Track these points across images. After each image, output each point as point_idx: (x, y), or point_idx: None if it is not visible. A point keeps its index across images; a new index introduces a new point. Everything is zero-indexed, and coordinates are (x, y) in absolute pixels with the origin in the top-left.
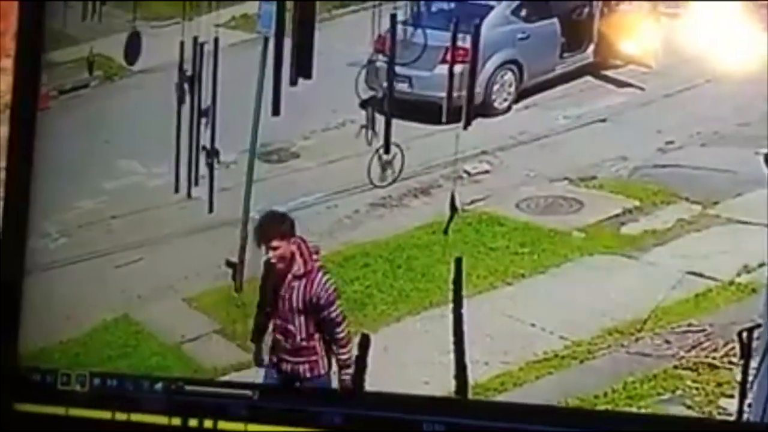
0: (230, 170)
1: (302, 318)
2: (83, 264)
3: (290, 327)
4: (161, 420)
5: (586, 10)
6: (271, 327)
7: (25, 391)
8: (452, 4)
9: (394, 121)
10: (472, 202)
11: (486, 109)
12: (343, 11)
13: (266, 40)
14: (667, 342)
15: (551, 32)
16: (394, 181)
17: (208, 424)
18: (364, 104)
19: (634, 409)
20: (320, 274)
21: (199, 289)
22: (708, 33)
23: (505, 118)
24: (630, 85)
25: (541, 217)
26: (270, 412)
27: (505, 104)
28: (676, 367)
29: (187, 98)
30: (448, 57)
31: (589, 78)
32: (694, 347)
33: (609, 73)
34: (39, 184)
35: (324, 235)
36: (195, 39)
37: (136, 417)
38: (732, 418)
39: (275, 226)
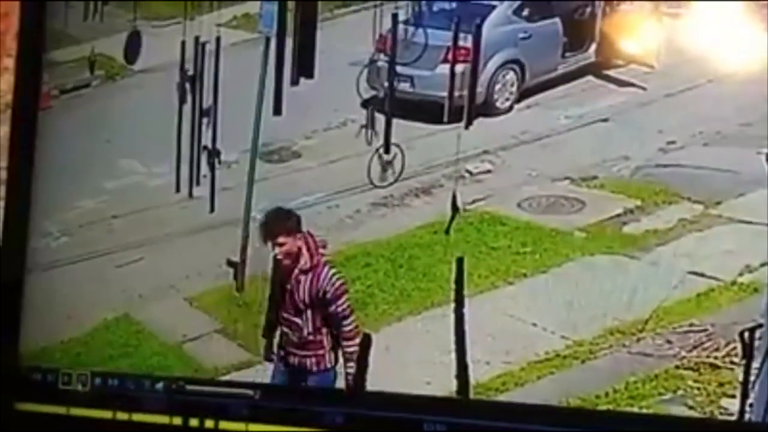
0: (232, 170)
1: (309, 312)
2: (84, 263)
3: (297, 321)
4: (162, 419)
5: (588, 9)
6: (279, 321)
7: (26, 391)
8: (454, 4)
9: (396, 121)
10: (474, 201)
11: (488, 109)
12: (345, 11)
13: (268, 39)
14: (669, 342)
15: (553, 32)
16: (396, 181)
17: (209, 423)
18: (365, 104)
19: (635, 409)
20: (326, 269)
21: (201, 289)
22: (710, 33)
23: (506, 117)
24: (632, 84)
25: (543, 216)
26: (271, 412)
27: (507, 104)
28: (677, 367)
29: (189, 98)
30: (450, 56)
31: (590, 78)
32: (695, 347)
33: (611, 72)
34: (40, 184)
35: (325, 234)
36: (196, 39)
37: (137, 416)
38: (733, 418)
39: (281, 222)
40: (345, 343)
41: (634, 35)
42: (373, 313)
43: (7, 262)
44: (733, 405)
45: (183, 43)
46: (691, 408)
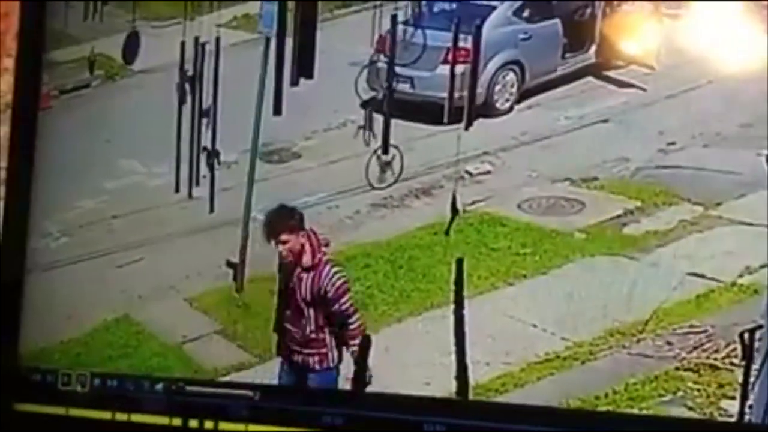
0: (231, 170)
1: (311, 310)
2: (84, 264)
3: (300, 319)
4: (162, 420)
5: (588, 10)
6: (284, 319)
7: (26, 391)
8: (454, 5)
9: (396, 122)
10: (474, 202)
11: (488, 110)
12: (345, 11)
13: (268, 40)
14: (669, 343)
15: (553, 33)
16: (395, 182)
17: (208, 424)
18: (365, 105)
19: (635, 411)
20: (327, 267)
21: (200, 290)
22: (710, 34)
23: (506, 118)
24: (632, 85)
25: (543, 217)
26: (271, 413)
27: (507, 105)
28: (677, 368)
29: (189, 98)
30: (450, 57)
31: (590, 79)
32: (695, 348)
33: (611, 73)
34: (40, 184)
35: (325, 235)
36: (196, 39)
37: (136, 417)
38: (733, 420)
39: (284, 220)
40: (351, 342)
41: (634, 36)
42: (372, 314)
43: (6, 263)
44: (733, 406)
45: (183, 44)
46: (690, 409)
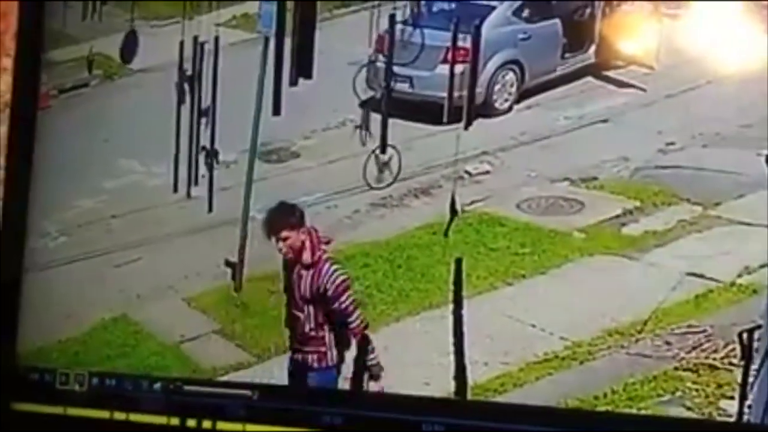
0: (230, 170)
1: (311, 308)
2: (82, 263)
3: (300, 316)
4: (160, 420)
5: (588, 10)
6: (284, 316)
7: (24, 391)
8: (453, 4)
9: (394, 122)
10: (473, 202)
11: (487, 110)
12: (344, 11)
13: (267, 39)
14: (668, 343)
15: (553, 33)
16: (393, 182)
17: (206, 424)
18: (364, 104)
19: (633, 411)
20: (327, 265)
21: (199, 289)
22: (709, 34)
23: (506, 118)
24: (631, 85)
25: (542, 217)
26: (269, 413)
27: (506, 104)
28: (676, 368)
29: (187, 98)
30: (449, 57)
31: (590, 78)
32: (694, 348)
33: (610, 73)
34: (38, 183)
35: (324, 234)
36: (195, 38)
37: (134, 417)
38: (732, 420)
39: (285, 217)
40: (352, 339)
41: (634, 36)
42: (371, 314)
43: (5, 262)
44: (732, 406)
45: (182, 43)
46: (689, 409)
